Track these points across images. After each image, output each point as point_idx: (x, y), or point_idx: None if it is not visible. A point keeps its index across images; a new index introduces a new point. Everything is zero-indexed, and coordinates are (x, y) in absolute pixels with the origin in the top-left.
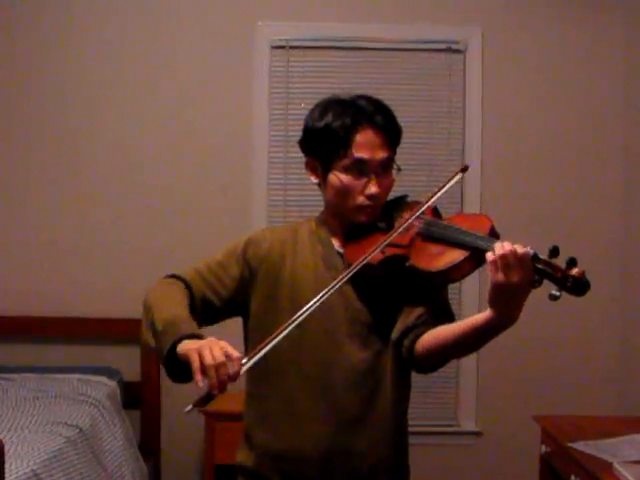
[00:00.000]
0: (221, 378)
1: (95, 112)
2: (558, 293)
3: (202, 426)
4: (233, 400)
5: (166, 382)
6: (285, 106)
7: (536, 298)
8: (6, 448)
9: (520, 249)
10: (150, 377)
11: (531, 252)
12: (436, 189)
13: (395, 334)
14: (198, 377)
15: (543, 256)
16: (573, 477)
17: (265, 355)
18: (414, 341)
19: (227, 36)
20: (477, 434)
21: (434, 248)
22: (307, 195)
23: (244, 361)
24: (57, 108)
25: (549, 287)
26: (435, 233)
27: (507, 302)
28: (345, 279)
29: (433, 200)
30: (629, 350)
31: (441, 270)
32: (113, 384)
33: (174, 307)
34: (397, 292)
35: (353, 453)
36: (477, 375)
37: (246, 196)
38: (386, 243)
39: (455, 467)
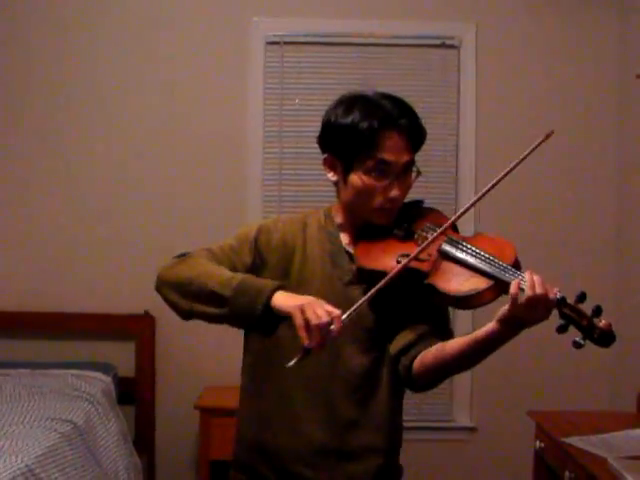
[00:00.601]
0: (324, 337)
1: (89, 109)
2: (583, 342)
3: (197, 422)
4: (228, 396)
5: (161, 378)
6: (280, 102)
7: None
8: (0, 444)
9: (551, 294)
10: (145, 373)
11: (559, 296)
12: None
13: (394, 350)
14: (302, 334)
15: (570, 301)
16: (567, 472)
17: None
18: (412, 360)
19: (222, 32)
20: (472, 429)
21: (456, 270)
22: (302, 190)
23: (344, 317)
24: (51, 106)
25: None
26: (458, 254)
27: (515, 328)
28: (379, 287)
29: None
30: (623, 345)
31: (462, 296)
32: (108, 380)
33: (223, 270)
34: (404, 303)
35: (347, 453)
36: (471, 370)
37: (241, 191)
38: (416, 255)
39: (450, 462)
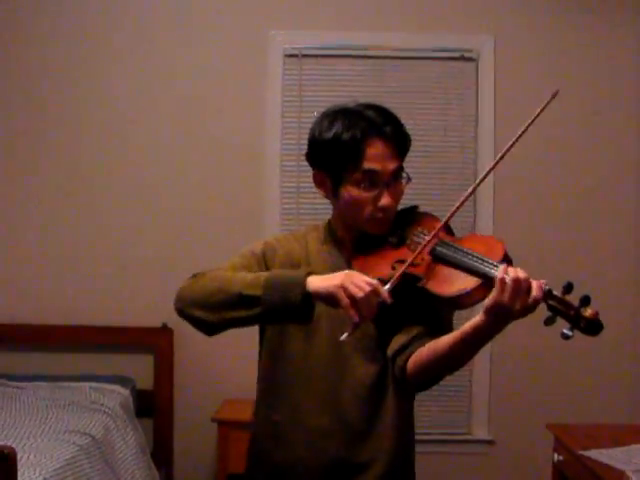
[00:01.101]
0: (373, 309)
1: (106, 123)
2: (571, 333)
3: (215, 435)
4: (246, 409)
5: (179, 390)
6: (298, 114)
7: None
8: (18, 456)
9: (535, 285)
10: (163, 386)
11: (545, 288)
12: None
13: (390, 352)
14: (352, 312)
15: (557, 293)
16: None
17: (275, 367)
18: (406, 360)
19: (240, 45)
20: (490, 442)
21: (447, 271)
22: (320, 202)
23: (388, 287)
24: (66, 117)
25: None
26: (448, 256)
27: (499, 318)
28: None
29: (482, 178)
30: None
31: (451, 296)
32: (126, 392)
33: (243, 274)
34: (403, 309)
35: (358, 465)
36: (490, 383)
37: (259, 204)
38: (410, 262)
39: (468, 475)
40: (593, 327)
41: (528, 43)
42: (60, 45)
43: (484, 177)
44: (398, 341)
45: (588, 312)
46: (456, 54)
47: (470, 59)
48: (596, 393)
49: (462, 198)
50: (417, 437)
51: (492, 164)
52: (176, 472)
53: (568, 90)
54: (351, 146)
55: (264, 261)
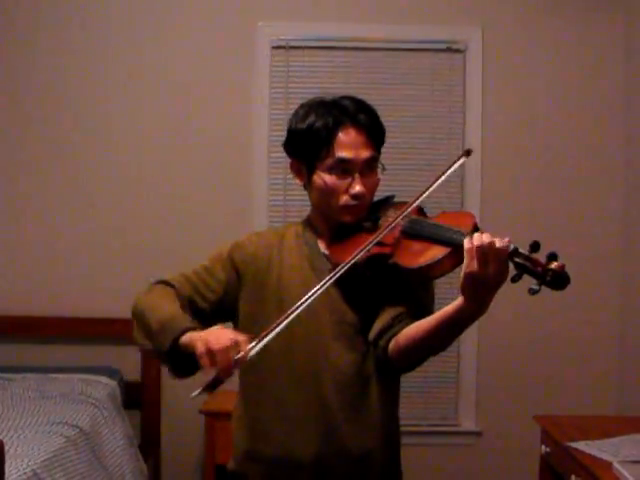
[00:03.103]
0: (228, 362)
1: (93, 113)
2: (537, 287)
3: (202, 426)
4: (233, 401)
5: (167, 382)
6: (285, 106)
7: (535, 298)
8: (6, 448)
9: (499, 242)
10: (150, 377)
11: (511, 247)
12: (433, 178)
13: (372, 336)
14: (205, 361)
15: (523, 250)
16: (573, 477)
17: (260, 354)
18: (389, 341)
19: (228, 36)
20: (477, 434)
21: (417, 245)
22: (307, 195)
23: (252, 345)
24: (56, 109)
25: (529, 281)
26: (418, 231)
27: (478, 292)
28: (336, 276)
29: (433, 188)
30: (629, 349)
31: (421, 266)
32: (113, 384)
33: (167, 306)
34: (382, 292)
35: (344, 456)
36: (477, 375)
37: (246, 197)
38: (374, 242)
39: (455, 467)
40: (560, 280)
41: (516, 35)
42: (48, 37)
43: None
44: (379, 323)
45: (554, 265)
46: (443, 46)
47: (457, 51)
48: (584, 385)
49: (431, 183)
50: (404, 429)
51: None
52: (163, 463)
53: (555, 81)
54: (323, 133)
55: (230, 263)
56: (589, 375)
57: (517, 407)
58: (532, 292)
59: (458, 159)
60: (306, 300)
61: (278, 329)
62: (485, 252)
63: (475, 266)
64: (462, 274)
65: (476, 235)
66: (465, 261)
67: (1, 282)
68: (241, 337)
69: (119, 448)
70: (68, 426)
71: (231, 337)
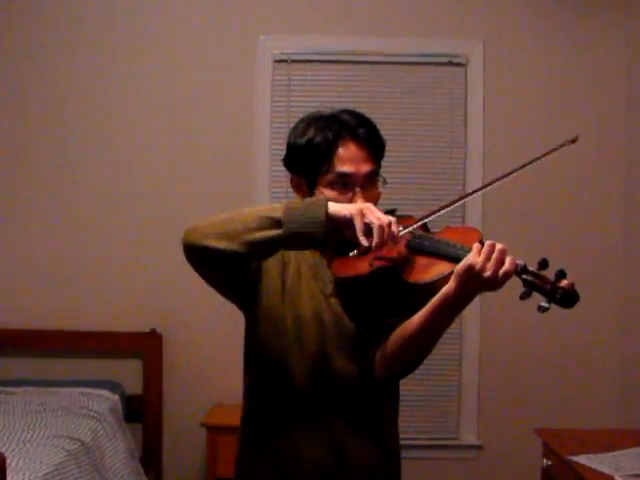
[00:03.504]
0: (386, 237)
1: (97, 124)
2: (547, 305)
3: (204, 439)
4: (235, 414)
5: (168, 396)
6: (287, 120)
7: (536, 312)
8: (7, 461)
9: (510, 257)
10: (152, 391)
11: (520, 264)
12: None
13: (362, 344)
14: (362, 239)
15: (532, 268)
16: None
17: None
18: (376, 349)
19: (230, 50)
20: (478, 447)
21: (422, 261)
22: None
23: (401, 229)
24: (61, 117)
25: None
26: (423, 246)
27: (469, 283)
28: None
29: (472, 196)
30: (631, 362)
31: (428, 282)
32: (115, 398)
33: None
34: (382, 307)
35: (346, 466)
36: (478, 388)
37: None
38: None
39: None
40: (569, 298)
41: (516, 47)
42: (51, 43)
43: (476, 191)
44: (369, 333)
45: (564, 283)
46: (445, 59)
47: (459, 64)
48: (585, 398)
49: (446, 203)
50: (405, 442)
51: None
52: (165, 477)
53: (556, 94)
54: (323, 148)
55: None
56: (590, 389)
57: (518, 421)
58: (542, 310)
59: (561, 145)
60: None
61: (422, 221)
62: (493, 256)
63: (479, 261)
64: (463, 261)
65: (489, 241)
66: (471, 254)
67: (3, 296)
68: (391, 217)
69: (120, 462)
70: (69, 440)
71: (385, 215)
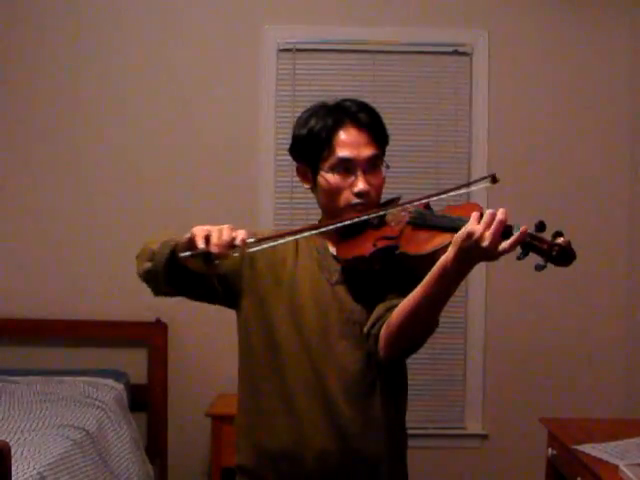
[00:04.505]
0: (224, 240)
1: (99, 116)
2: (544, 263)
3: (209, 429)
4: None
5: (173, 385)
6: (292, 109)
7: (542, 301)
8: (12, 451)
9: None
10: (157, 380)
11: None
12: (449, 186)
13: (366, 328)
14: (199, 240)
15: (530, 230)
16: None
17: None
18: (380, 328)
19: (234, 39)
20: (484, 437)
21: (423, 234)
22: (313, 197)
23: (251, 240)
24: (61, 111)
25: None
26: (424, 221)
27: (466, 252)
28: (369, 216)
29: (442, 197)
30: (636, 351)
31: (430, 252)
32: (120, 387)
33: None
34: (389, 288)
35: (350, 453)
36: (484, 378)
37: (253, 199)
38: (381, 213)
39: (462, 470)
40: (565, 255)
41: (522, 37)
42: (54, 40)
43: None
44: (374, 314)
45: (560, 240)
46: (450, 49)
47: (464, 54)
48: (590, 387)
49: (449, 188)
50: (411, 432)
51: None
52: (170, 466)
53: (561, 83)
54: (323, 134)
55: (249, 257)
56: (595, 378)
57: (523, 410)
58: (538, 268)
59: (481, 179)
60: (332, 224)
61: (281, 240)
62: (492, 222)
63: (479, 228)
64: (460, 231)
65: (490, 209)
66: (471, 220)
67: (7, 285)
68: (241, 230)
69: (125, 451)
70: (74, 429)
71: (230, 226)
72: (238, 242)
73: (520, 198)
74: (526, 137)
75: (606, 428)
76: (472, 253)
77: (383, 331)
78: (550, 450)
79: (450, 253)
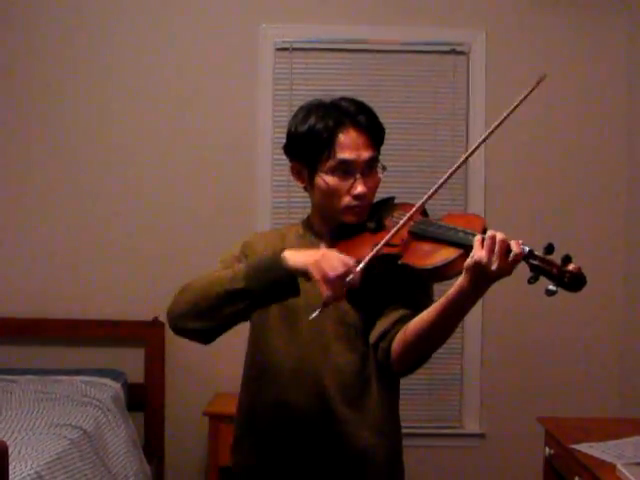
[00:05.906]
0: (343, 288)
1: (98, 114)
2: (555, 288)
3: (206, 428)
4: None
5: (171, 384)
6: (289, 108)
7: (539, 300)
8: (10, 450)
9: (515, 245)
10: (154, 379)
11: (526, 249)
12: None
13: (373, 338)
14: (323, 289)
15: (539, 253)
16: (577, 479)
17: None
18: (390, 342)
19: (231, 38)
20: (481, 436)
21: (427, 246)
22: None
23: (360, 267)
24: (59, 110)
25: (545, 283)
26: (427, 232)
27: (478, 279)
28: (373, 255)
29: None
30: (633, 351)
31: (435, 267)
32: (117, 386)
33: (222, 272)
34: (384, 294)
35: (343, 452)
36: (481, 377)
37: (250, 198)
38: (386, 241)
39: (459, 469)
40: (577, 281)
41: (519, 37)
42: (52, 41)
43: (473, 151)
44: (381, 326)
45: (571, 267)
46: (447, 48)
47: (461, 53)
48: (587, 386)
49: (440, 180)
50: (408, 431)
51: (478, 142)
52: (167, 465)
53: (558, 83)
54: (324, 135)
55: (245, 258)
56: (592, 377)
57: (521, 409)
58: (549, 293)
59: (533, 88)
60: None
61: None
62: (495, 248)
63: (483, 256)
64: (468, 261)
65: (490, 231)
66: (474, 249)
67: (5, 284)
68: (350, 260)
69: (123, 450)
70: (72, 428)
71: (344, 261)
72: (352, 281)
73: (517, 197)
74: (523, 136)
75: (603, 427)
76: (486, 276)
77: (397, 347)
78: (547, 449)
79: (465, 280)
